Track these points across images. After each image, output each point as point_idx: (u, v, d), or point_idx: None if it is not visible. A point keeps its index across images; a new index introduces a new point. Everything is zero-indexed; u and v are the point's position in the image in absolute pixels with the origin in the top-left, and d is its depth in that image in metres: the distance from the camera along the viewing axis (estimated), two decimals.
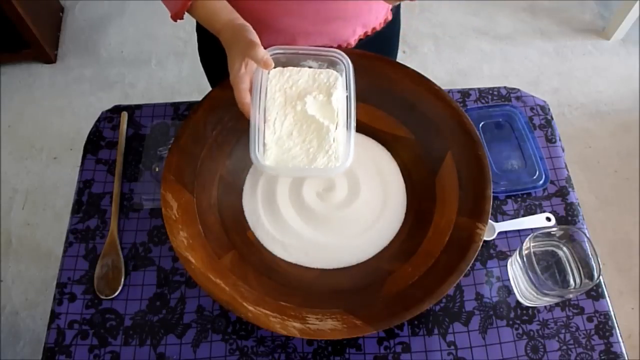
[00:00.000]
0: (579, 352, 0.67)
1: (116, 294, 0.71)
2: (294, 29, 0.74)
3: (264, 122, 0.61)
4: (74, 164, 1.60)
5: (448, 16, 1.98)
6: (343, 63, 0.63)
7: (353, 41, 0.79)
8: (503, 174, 0.79)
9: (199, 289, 0.72)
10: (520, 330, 0.69)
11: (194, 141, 0.70)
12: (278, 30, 0.73)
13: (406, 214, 0.73)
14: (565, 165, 0.81)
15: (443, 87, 0.72)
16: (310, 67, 0.65)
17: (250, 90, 0.60)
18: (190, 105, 0.86)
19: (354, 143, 0.59)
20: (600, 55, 1.88)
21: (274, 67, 0.62)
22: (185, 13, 0.66)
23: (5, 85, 1.84)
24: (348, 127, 0.60)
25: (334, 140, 0.61)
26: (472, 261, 0.61)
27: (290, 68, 0.64)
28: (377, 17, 0.80)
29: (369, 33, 0.80)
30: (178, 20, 0.67)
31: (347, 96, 0.62)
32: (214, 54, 0.90)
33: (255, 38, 0.59)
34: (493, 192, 0.72)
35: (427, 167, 0.73)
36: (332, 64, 0.65)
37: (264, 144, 0.60)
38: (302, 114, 0.61)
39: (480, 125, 0.82)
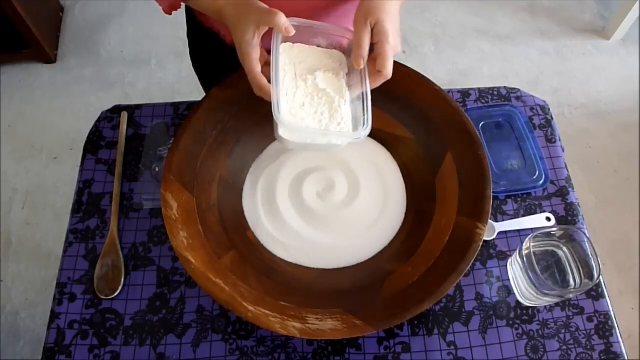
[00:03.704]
0: (579, 352, 0.67)
1: (116, 294, 0.71)
2: None
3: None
4: (74, 164, 1.60)
5: (448, 16, 1.98)
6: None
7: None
8: (503, 174, 0.79)
9: (199, 289, 0.72)
10: (520, 330, 0.69)
11: (194, 141, 0.70)
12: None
13: (406, 214, 0.73)
14: (565, 165, 0.81)
15: (443, 87, 0.72)
16: (319, 45, 0.64)
17: (261, 61, 0.59)
18: (190, 105, 0.86)
19: (371, 112, 0.58)
20: (600, 55, 1.88)
21: (284, 42, 0.61)
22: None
23: (5, 85, 1.84)
24: (365, 96, 0.59)
25: (344, 115, 0.60)
26: (472, 261, 0.61)
27: (299, 45, 0.63)
28: None
29: None
30: (173, 13, 0.66)
31: (360, 71, 0.60)
32: (206, 59, 0.90)
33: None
34: (493, 192, 0.72)
35: (427, 167, 0.73)
36: (341, 45, 0.64)
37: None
38: (313, 87, 0.61)
39: (480, 125, 0.82)
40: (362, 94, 0.59)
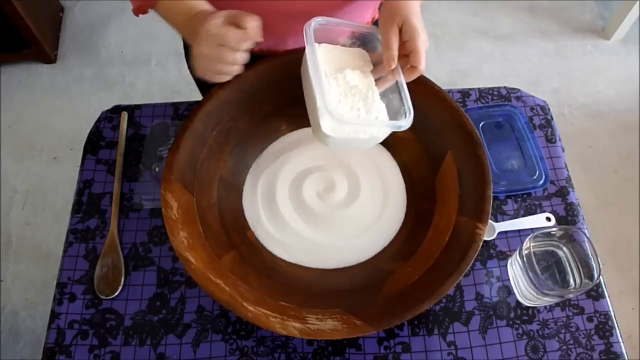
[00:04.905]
0: (579, 352, 0.67)
1: (116, 294, 0.71)
2: (284, 29, 0.74)
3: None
4: (74, 164, 1.60)
5: (448, 16, 1.98)
6: (378, 39, 0.64)
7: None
8: (503, 174, 0.79)
9: (199, 289, 0.72)
10: (520, 330, 0.69)
11: (194, 141, 0.70)
12: (266, 30, 0.73)
13: (406, 214, 0.73)
14: (565, 165, 0.81)
15: (443, 87, 0.72)
16: (343, 45, 0.66)
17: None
18: (190, 105, 0.86)
19: (410, 100, 0.59)
20: (600, 55, 1.88)
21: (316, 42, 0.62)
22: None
23: (5, 85, 1.83)
24: (401, 87, 0.60)
25: (380, 109, 0.61)
26: (472, 261, 0.61)
27: (325, 45, 0.64)
28: (364, 15, 0.79)
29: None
30: (140, 15, 0.67)
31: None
32: None
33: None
34: (493, 192, 0.71)
35: (427, 167, 0.73)
36: (364, 42, 0.66)
37: (319, 108, 0.60)
38: (345, 85, 0.62)
39: (480, 125, 0.82)
40: (398, 85, 0.60)
